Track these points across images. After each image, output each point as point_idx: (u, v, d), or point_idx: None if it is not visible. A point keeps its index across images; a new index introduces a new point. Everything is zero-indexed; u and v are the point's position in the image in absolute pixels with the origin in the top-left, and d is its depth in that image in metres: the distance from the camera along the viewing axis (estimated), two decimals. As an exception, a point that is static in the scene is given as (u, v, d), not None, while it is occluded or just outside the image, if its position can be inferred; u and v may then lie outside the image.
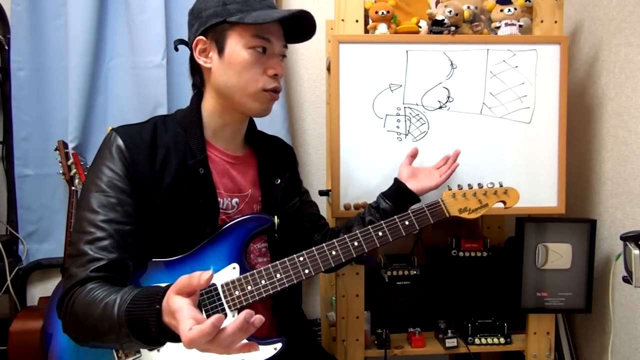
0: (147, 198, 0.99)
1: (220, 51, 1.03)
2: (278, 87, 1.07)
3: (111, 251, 0.93)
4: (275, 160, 1.19)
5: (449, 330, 1.51)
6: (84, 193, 0.99)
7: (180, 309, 0.74)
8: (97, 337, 0.88)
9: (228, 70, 1.03)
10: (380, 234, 1.08)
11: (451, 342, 1.50)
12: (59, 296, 0.94)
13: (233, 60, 1.02)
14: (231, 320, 0.97)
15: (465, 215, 1.16)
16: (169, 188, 1.01)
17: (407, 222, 1.10)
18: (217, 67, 1.04)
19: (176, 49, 1.13)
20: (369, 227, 1.08)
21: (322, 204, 1.95)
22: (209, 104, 1.09)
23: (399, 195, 1.25)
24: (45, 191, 1.82)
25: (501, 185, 1.20)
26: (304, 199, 1.29)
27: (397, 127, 1.42)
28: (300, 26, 1.08)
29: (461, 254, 1.56)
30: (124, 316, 0.83)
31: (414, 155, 1.35)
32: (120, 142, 1.00)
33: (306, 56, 1.98)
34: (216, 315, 0.69)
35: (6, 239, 1.78)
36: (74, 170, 1.68)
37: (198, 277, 0.77)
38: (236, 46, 1.02)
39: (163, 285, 0.85)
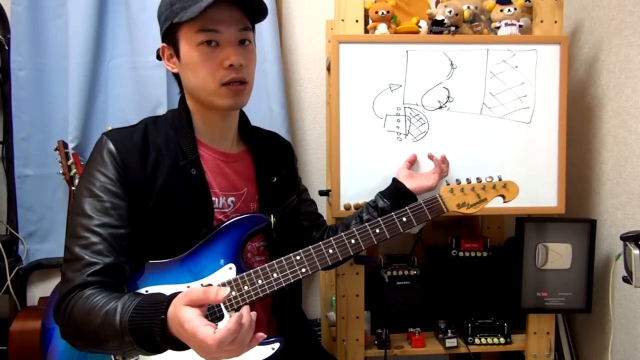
0: (141, 200, 0.99)
1: (178, 55, 1.03)
2: (237, 77, 1.00)
3: (106, 255, 0.93)
4: (271, 157, 1.18)
5: (449, 330, 1.52)
6: (77, 198, 0.98)
7: (190, 320, 0.76)
8: (98, 344, 0.88)
9: (187, 73, 1.02)
10: (377, 231, 1.07)
11: (451, 342, 1.50)
12: (56, 301, 0.93)
13: (188, 62, 1.01)
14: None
15: (463, 210, 1.14)
16: (162, 190, 1.01)
17: (404, 219, 1.09)
18: (180, 70, 1.04)
19: (159, 58, 1.11)
20: (366, 224, 1.07)
21: (322, 204, 1.95)
22: (190, 105, 1.08)
23: (397, 194, 1.25)
24: (45, 191, 1.82)
25: (500, 179, 1.18)
26: (303, 197, 1.28)
27: (397, 127, 1.42)
28: (251, 5, 1.02)
29: (461, 254, 1.56)
30: (127, 325, 0.83)
31: (412, 162, 1.38)
32: (111, 146, 0.99)
33: (306, 56, 1.98)
34: (237, 314, 0.74)
35: (6, 239, 1.78)
36: (74, 170, 1.68)
37: (215, 293, 0.78)
38: (186, 47, 1.00)
39: (167, 294, 0.85)
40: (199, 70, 1.00)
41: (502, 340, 1.51)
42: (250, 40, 1.04)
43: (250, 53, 1.04)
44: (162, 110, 1.76)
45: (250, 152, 1.16)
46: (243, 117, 1.17)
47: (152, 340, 0.82)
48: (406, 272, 1.58)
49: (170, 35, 1.03)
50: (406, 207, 1.10)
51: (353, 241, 1.05)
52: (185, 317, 0.77)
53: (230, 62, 0.98)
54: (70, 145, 1.73)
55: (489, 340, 1.51)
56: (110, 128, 1.06)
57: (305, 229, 1.26)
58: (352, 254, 1.06)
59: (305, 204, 1.28)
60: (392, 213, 1.09)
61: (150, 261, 1.02)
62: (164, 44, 1.05)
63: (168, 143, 1.04)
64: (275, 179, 1.16)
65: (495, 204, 1.21)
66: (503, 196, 1.18)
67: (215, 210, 1.06)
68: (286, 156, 1.25)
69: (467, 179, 1.17)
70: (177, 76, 1.09)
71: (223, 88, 1.00)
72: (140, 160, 1.00)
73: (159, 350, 0.84)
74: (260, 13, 1.03)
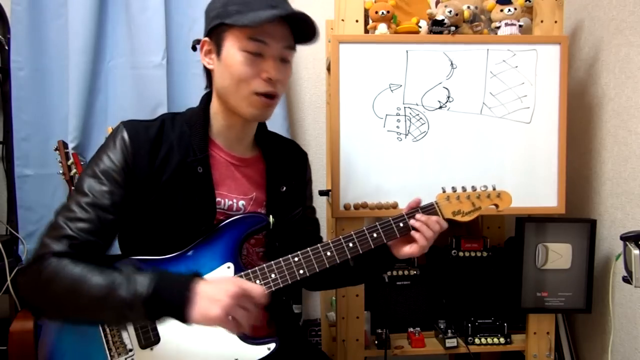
0: (142, 193, 1.00)
1: (219, 53, 1.03)
2: (272, 91, 1.02)
3: (88, 233, 0.95)
4: (284, 165, 1.17)
5: (449, 330, 1.52)
6: (80, 176, 1.01)
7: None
8: (74, 312, 0.91)
9: (224, 72, 1.03)
10: (374, 235, 1.07)
11: (451, 342, 1.50)
12: (25, 264, 0.95)
13: (228, 62, 1.01)
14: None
15: (458, 218, 1.14)
16: (166, 184, 1.01)
17: (401, 224, 1.08)
18: (216, 68, 1.05)
19: (194, 49, 1.12)
20: (364, 228, 1.07)
21: (322, 204, 1.95)
22: (214, 105, 1.09)
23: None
24: (45, 191, 1.82)
25: (494, 189, 1.18)
26: (308, 214, 1.26)
27: (397, 127, 1.42)
28: (302, 26, 1.05)
29: (461, 254, 1.56)
30: (150, 295, 0.86)
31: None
32: (125, 135, 1.01)
33: (306, 56, 1.98)
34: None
35: (6, 239, 1.78)
36: (74, 170, 1.68)
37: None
38: (232, 48, 1.01)
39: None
40: (236, 73, 1.01)
41: (502, 340, 1.52)
42: (290, 60, 1.06)
43: (287, 71, 1.06)
44: (162, 110, 1.76)
45: (264, 158, 1.16)
46: (261, 123, 1.17)
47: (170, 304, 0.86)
48: (406, 272, 1.58)
49: (216, 32, 1.03)
50: (403, 214, 1.10)
51: (351, 245, 1.05)
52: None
53: (269, 75, 1.01)
54: (70, 145, 1.73)
55: (489, 340, 1.51)
56: (110, 129, 1.06)
57: (309, 233, 1.25)
58: (349, 257, 1.05)
59: (308, 220, 1.27)
60: (390, 218, 1.09)
61: (148, 257, 1.02)
62: (207, 39, 1.06)
63: (181, 140, 1.05)
64: (284, 188, 1.15)
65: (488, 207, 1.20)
66: (496, 205, 1.18)
67: (220, 210, 1.06)
68: (299, 166, 1.23)
69: (463, 187, 1.16)
70: (209, 73, 1.10)
71: (255, 97, 1.02)
72: (150, 154, 1.01)
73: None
74: (309, 37, 1.06)
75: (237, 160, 1.11)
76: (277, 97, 1.05)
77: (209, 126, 1.09)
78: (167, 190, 1.01)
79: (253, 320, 0.88)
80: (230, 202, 1.08)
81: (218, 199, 1.06)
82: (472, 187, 1.16)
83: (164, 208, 1.01)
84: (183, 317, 0.85)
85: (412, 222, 1.07)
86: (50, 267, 0.90)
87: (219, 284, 0.87)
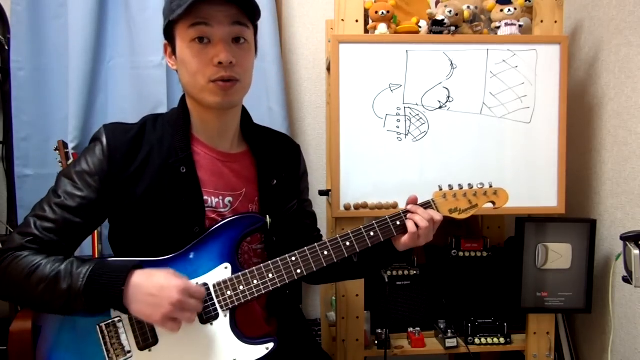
0: (120, 196, 1.01)
1: (174, 52, 1.04)
2: (226, 75, 0.98)
3: (52, 233, 0.97)
4: (274, 159, 1.16)
5: (449, 330, 1.52)
6: (59, 175, 1.03)
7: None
8: (29, 301, 0.95)
9: (182, 70, 1.03)
10: (372, 234, 1.06)
11: (451, 342, 1.50)
12: None
13: (181, 58, 1.01)
14: (223, 321, 0.97)
15: (455, 215, 1.14)
16: (150, 187, 1.01)
17: (398, 222, 1.08)
18: (178, 68, 1.05)
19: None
20: (361, 227, 1.06)
21: (322, 204, 1.95)
22: (188, 103, 1.09)
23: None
24: (45, 191, 1.78)
25: (491, 186, 1.18)
26: (305, 207, 1.25)
27: (397, 127, 1.42)
28: (246, 2, 1.00)
29: (461, 254, 1.56)
30: (84, 288, 0.90)
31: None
32: (104, 138, 1.02)
33: (306, 56, 1.98)
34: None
35: (6, 239, 1.78)
36: (74, 170, 1.68)
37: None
38: (181, 43, 1.01)
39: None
40: (190, 67, 1.00)
41: (502, 340, 1.52)
42: (245, 38, 1.02)
43: (246, 52, 1.03)
44: (162, 110, 1.75)
45: (252, 153, 1.14)
46: (246, 117, 1.16)
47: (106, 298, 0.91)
48: (406, 272, 1.58)
49: (168, 33, 1.04)
50: (400, 211, 1.09)
51: (348, 244, 1.05)
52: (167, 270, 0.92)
53: (219, 59, 0.98)
54: (70, 145, 1.73)
55: (489, 340, 1.51)
56: None
57: (307, 226, 1.24)
58: (346, 255, 1.05)
59: (304, 214, 1.25)
60: (387, 217, 1.08)
61: (145, 258, 1.01)
62: (165, 42, 1.06)
63: (162, 140, 1.04)
64: (275, 182, 1.14)
65: (485, 205, 1.19)
66: (493, 202, 1.17)
67: (208, 209, 1.05)
68: (291, 159, 1.21)
69: (459, 185, 1.16)
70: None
71: (211, 84, 1.00)
72: (127, 157, 1.01)
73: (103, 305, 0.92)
74: (251, 9, 1.01)
75: (222, 156, 1.09)
76: (238, 80, 1.01)
77: (190, 124, 1.08)
78: (153, 193, 1.01)
79: (195, 315, 0.94)
80: (217, 200, 1.07)
81: (205, 197, 1.05)
82: (469, 184, 1.15)
83: (151, 211, 1.01)
84: (122, 309, 0.92)
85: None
86: (9, 259, 0.95)
87: (162, 287, 0.90)
